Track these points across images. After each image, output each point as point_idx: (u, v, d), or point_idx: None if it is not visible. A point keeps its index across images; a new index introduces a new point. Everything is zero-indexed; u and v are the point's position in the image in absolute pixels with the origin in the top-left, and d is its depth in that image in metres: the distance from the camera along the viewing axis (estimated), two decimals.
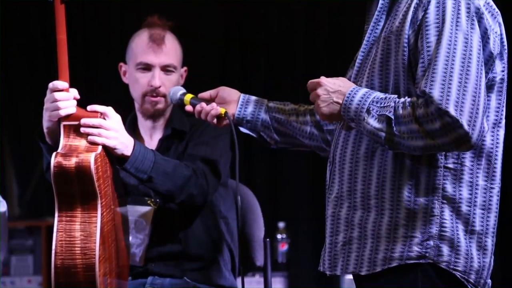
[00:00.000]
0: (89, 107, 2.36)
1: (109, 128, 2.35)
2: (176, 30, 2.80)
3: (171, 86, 2.69)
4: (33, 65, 5.02)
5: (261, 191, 4.52)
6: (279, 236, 4.61)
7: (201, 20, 4.93)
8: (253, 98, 2.42)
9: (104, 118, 2.36)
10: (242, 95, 2.42)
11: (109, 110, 2.38)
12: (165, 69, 2.76)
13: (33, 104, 4.84)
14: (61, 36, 2.26)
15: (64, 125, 2.30)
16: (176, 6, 4.76)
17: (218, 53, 4.98)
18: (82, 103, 2.36)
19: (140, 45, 2.76)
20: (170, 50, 2.76)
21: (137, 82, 2.75)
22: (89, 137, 2.30)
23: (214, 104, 2.40)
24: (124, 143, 2.41)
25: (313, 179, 4.78)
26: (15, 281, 4.83)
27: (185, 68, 2.85)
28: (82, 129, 2.30)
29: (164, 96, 2.74)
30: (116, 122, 2.38)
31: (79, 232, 2.20)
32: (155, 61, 2.74)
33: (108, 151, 2.36)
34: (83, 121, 2.31)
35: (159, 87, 2.74)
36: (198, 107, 2.42)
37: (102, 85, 4.71)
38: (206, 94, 2.45)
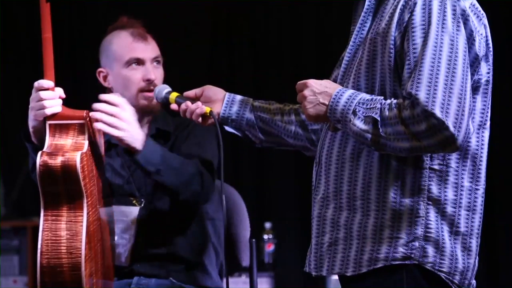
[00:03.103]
0: (100, 96, 2.41)
1: (124, 119, 2.41)
2: (148, 27, 2.82)
3: (161, 78, 2.74)
4: (20, 64, 5.00)
5: (248, 191, 4.51)
6: (265, 237, 4.62)
7: (188, 18, 4.93)
8: (238, 97, 2.42)
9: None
10: (227, 94, 2.42)
11: (123, 101, 2.45)
12: (155, 60, 2.77)
13: (20, 103, 4.82)
14: (47, 35, 2.25)
15: (50, 124, 2.29)
16: (163, 5, 4.76)
17: (205, 51, 4.97)
18: (68, 102, 2.35)
19: (124, 45, 2.76)
20: (154, 43, 2.79)
21: (129, 80, 2.74)
22: (96, 124, 2.35)
23: (199, 103, 2.40)
24: (133, 136, 2.46)
25: (299, 180, 4.78)
26: (0, 281, 4.81)
27: None
28: (95, 115, 2.35)
29: None
30: (130, 115, 2.44)
31: (65, 231, 2.19)
32: (145, 55, 2.75)
33: (94, 150, 2.35)
34: (102, 107, 2.38)
35: (155, 79, 2.75)
36: (183, 106, 2.42)
37: (88, 84, 4.68)
38: (191, 93, 2.45)
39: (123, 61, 2.75)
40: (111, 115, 2.38)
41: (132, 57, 2.74)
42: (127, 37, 2.75)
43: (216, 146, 2.73)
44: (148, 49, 2.75)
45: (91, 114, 2.35)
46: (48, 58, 2.26)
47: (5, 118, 4.97)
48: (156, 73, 2.75)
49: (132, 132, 2.44)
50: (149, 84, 2.73)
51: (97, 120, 2.38)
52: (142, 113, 2.77)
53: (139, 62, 2.74)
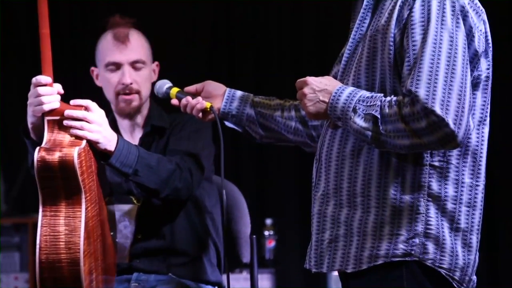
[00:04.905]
0: (72, 101, 2.35)
1: (92, 122, 2.34)
2: (140, 26, 2.81)
3: (143, 82, 2.74)
4: (21, 60, 5.00)
5: (248, 187, 4.52)
6: (266, 233, 4.62)
7: (189, 16, 4.93)
8: (239, 92, 2.43)
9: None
10: (227, 89, 2.43)
11: (92, 103, 2.38)
12: (134, 65, 2.77)
13: (20, 99, 4.80)
14: (44, 30, 2.24)
15: (48, 120, 2.28)
16: (163, 4, 4.76)
17: (205, 47, 4.97)
18: (66, 98, 2.35)
19: (106, 46, 2.77)
20: (136, 46, 2.77)
21: (108, 82, 2.77)
22: (71, 130, 2.29)
23: (199, 98, 2.41)
24: (107, 138, 2.40)
25: (300, 176, 4.78)
26: (1, 278, 4.81)
27: (156, 62, 2.85)
28: (65, 122, 2.29)
29: (138, 92, 2.75)
30: (99, 116, 2.37)
31: (63, 227, 2.19)
32: (123, 59, 2.75)
33: (93, 146, 2.35)
34: (67, 112, 2.30)
35: (131, 84, 2.74)
36: (183, 101, 2.43)
37: (87, 80, 4.69)
38: (192, 88, 2.45)
39: (103, 63, 2.77)
40: (80, 119, 2.32)
41: (109, 61, 2.75)
42: (109, 39, 2.76)
43: (209, 138, 2.74)
44: (126, 53, 2.74)
45: (64, 122, 2.30)
46: (46, 54, 2.25)
47: (5, 115, 4.97)
48: (135, 76, 2.75)
49: (105, 133, 2.39)
50: (125, 88, 2.73)
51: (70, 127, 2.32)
52: (121, 115, 2.78)
53: (116, 65, 2.75)
